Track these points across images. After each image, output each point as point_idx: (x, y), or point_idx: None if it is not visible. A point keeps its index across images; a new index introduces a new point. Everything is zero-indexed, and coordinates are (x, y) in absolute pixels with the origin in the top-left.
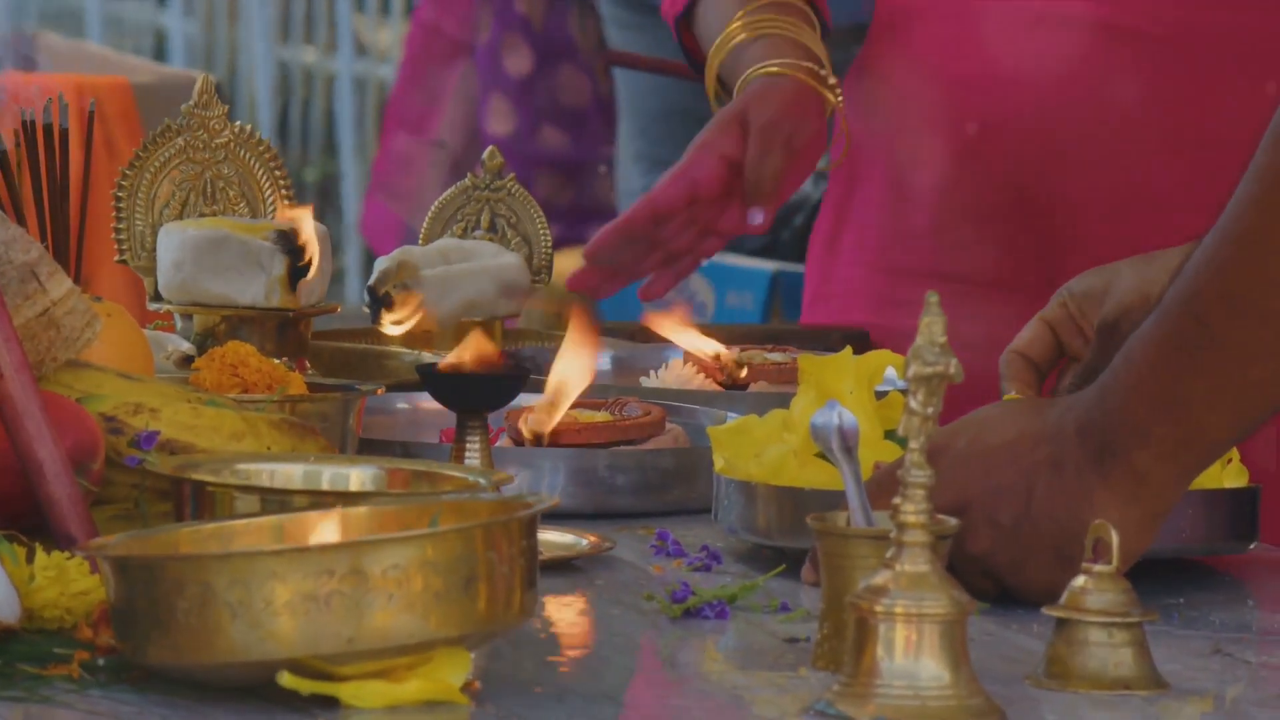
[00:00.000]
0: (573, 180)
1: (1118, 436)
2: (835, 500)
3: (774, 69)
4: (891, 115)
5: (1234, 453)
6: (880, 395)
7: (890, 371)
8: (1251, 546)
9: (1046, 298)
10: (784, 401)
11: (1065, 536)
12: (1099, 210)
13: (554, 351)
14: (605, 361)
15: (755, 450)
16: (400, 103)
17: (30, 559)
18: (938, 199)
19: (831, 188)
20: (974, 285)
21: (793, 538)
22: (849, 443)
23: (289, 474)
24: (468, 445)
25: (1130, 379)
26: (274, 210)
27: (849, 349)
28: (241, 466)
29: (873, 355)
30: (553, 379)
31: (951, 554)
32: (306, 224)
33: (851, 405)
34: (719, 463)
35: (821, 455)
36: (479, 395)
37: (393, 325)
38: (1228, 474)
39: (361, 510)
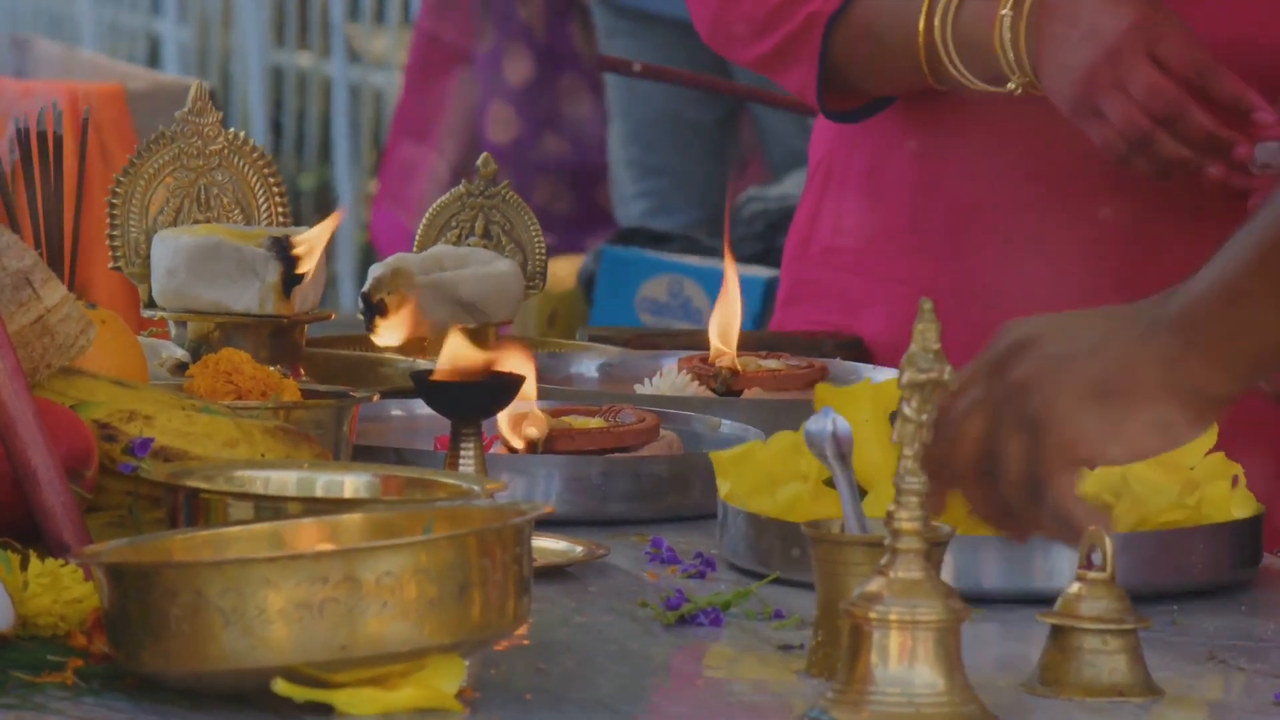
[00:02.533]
0: (571, 188)
1: (1181, 335)
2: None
3: None
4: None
5: (1241, 478)
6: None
7: None
8: (1256, 570)
9: (1008, 307)
10: (778, 409)
11: (1109, 385)
12: (1065, 222)
13: (549, 357)
14: (599, 368)
15: (759, 476)
16: (404, 111)
17: (24, 566)
18: (911, 203)
19: (809, 188)
20: (942, 292)
21: (806, 572)
22: (843, 449)
23: (283, 481)
24: (462, 452)
25: (1206, 281)
26: (268, 217)
27: (868, 379)
28: (235, 473)
29: (889, 384)
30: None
31: (987, 382)
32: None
33: (867, 435)
34: (723, 489)
35: (829, 482)
36: (473, 402)
37: (386, 336)
38: (1235, 500)
39: (355, 517)
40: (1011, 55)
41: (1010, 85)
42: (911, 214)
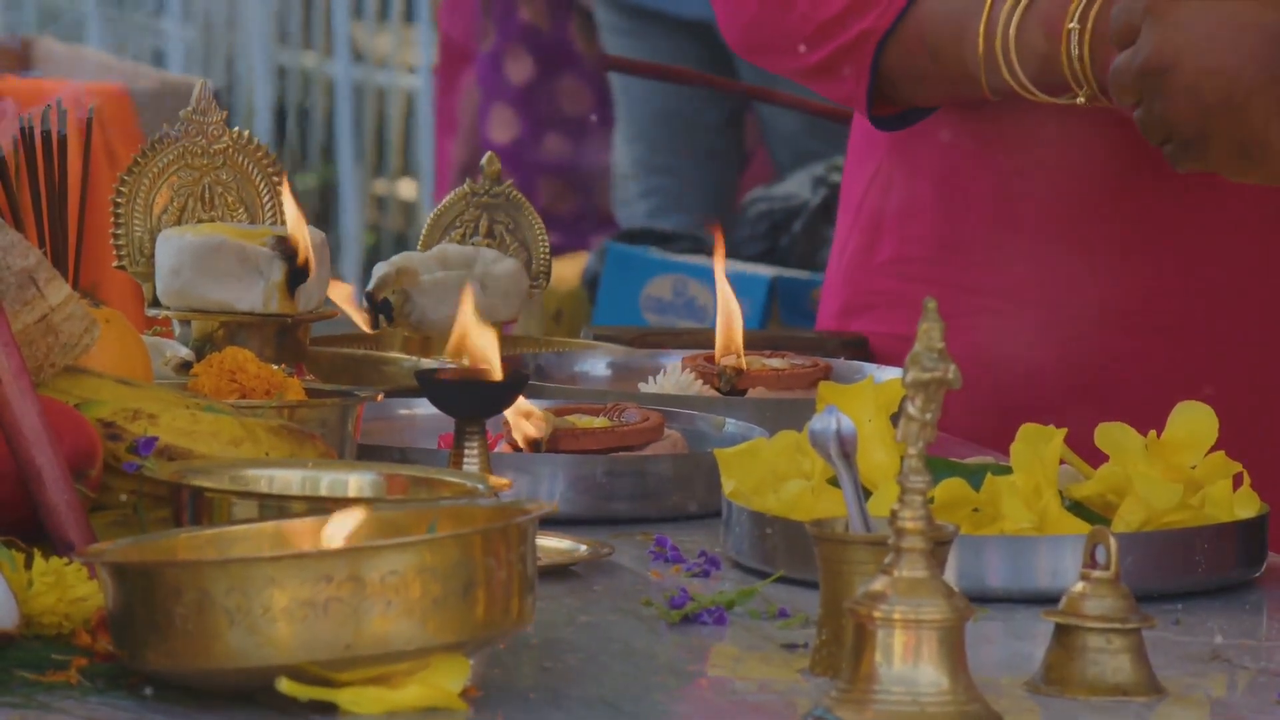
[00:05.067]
0: (574, 187)
1: None
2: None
3: None
4: (938, 127)
5: (1246, 479)
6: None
7: None
8: (1260, 570)
9: (1088, 317)
10: (782, 408)
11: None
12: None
13: (553, 356)
14: (603, 367)
15: (763, 473)
16: (439, 113)
17: (28, 565)
18: (990, 214)
19: (868, 196)
20: (1021, 301)
21: (810, 570)
22: (847, 448)
23: (287, 480)
24: (466, 451)
25: None
26: (272, 217)
27: (870, 378)
28: (240, 472)
29: (892, 384)
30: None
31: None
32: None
33: (870, 434)
34: (728, 487)
35: (833, 480)
36: (477, 401)
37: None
38: (1239, 500)
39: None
40: (1079, 68)
41: (1079, 99)
42: (991, 225)
